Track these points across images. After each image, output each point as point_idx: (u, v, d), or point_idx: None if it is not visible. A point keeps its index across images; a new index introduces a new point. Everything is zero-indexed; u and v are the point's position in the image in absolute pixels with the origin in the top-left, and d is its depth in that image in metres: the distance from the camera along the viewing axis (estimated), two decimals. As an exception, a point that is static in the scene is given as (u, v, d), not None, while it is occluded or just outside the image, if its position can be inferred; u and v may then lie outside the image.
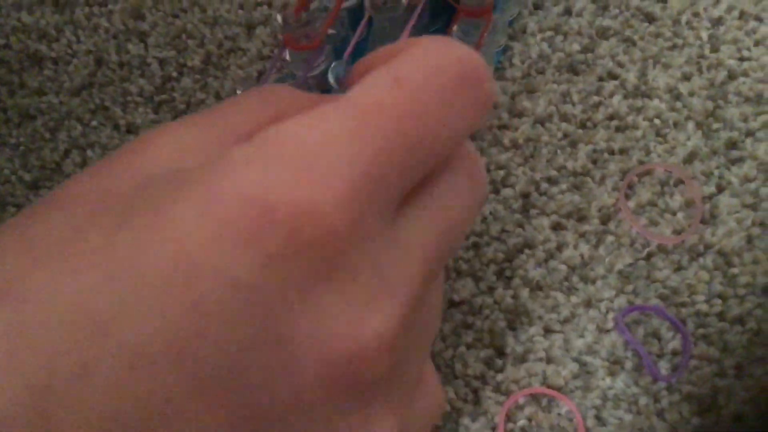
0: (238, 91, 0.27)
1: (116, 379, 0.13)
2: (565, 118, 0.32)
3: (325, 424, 0.15)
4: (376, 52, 0.17)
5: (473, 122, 0.16)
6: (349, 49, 0.26)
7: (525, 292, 0.29)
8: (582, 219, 0.30)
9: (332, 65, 0.26)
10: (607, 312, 0.29)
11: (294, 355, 0.14)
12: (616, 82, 0.32)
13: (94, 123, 0.33)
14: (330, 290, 0.14)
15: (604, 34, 0.33)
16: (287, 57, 0.26)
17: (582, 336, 0.28)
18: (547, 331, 0.29)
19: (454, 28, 0.28)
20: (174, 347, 0.13)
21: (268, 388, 0.14)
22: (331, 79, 0.25)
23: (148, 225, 0.14)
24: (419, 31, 0.30)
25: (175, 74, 0.33)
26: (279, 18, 0.26)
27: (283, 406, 0.14)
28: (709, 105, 0.31)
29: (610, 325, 0.28)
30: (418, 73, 0.15)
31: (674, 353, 0.28)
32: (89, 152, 0.32)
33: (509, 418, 0.27)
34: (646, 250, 0.29)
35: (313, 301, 0.14)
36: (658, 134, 0.31)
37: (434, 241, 0.16)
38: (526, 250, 0.30)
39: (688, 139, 0.31)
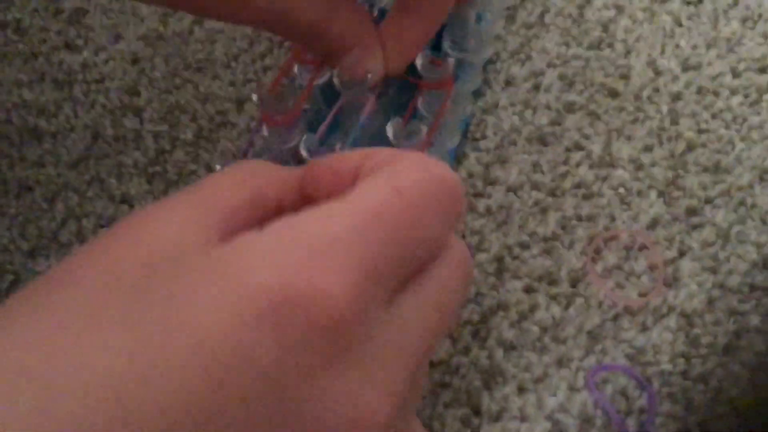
0: (218, 167, 0.29)
1: None
2: (535, 186, 0.34)
3: None
4: (354, 155, 0.20)
5: (452, 226, 0.19)
6: (324, 125, 0.28)
7: (499, 352, 0.31)
8: (552, 282, 0.32)
9: (304, 138, 0.28)
10: (578, 371, 0.30)
11: None
12: (583, 153, 0.34)
13: (90, 194, 0.35)
14: (335, 373, 0.16)
15: (570, 108, 0.35)
16: (264, 132, 0.28)
17: (554, 395, 0.30)
18: (521, 389, 0.30)
19: (419, 100, 0.30)
20: (194, 422, 0.15)
21: None
22: (303, 151, 0.27)
23: (166, 309, 0.15)
24: (387, 104, 0.32)
25: (168, 147, 0.35)
26: (254, 97, 0.28)
27: None
28: (670, 174, 0.34)
29: (580, 383, 0.30)
30: (415, 186, 0.18)
31: (641, 411, 0.29)
32: (85, 222, 0.34)
33: (485, 475, 0.29)
34: (613, 311, 0.31)
35: (321, 383, 0.16)
36: (622, 202, 0.33)
37: (429, 319, 0.18)
38: (500, 312, 0.31)
39: (651, 206, 0.33)
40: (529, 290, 0.32)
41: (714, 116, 0.35)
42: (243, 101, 0.36)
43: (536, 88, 0.36)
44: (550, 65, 0.36)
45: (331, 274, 0.16)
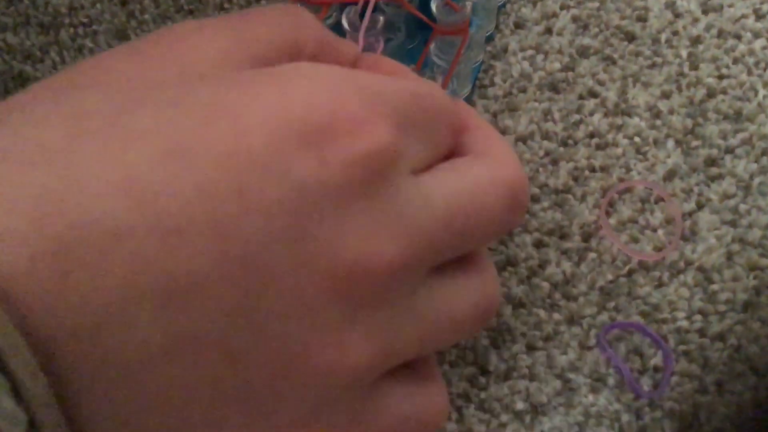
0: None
1: (145, 250, 0.13)
2: (546, 136, 0.32)
3: (308, 330, 0.15)
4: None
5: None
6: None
7: (508, 310, 0.29)
8: (564, 236, 0.30)
9: (345, 11, 0.26)
10: (590, 329, 0.29)
11: (311, 255, 0.15)
12: (597, 101, 0.33)
13: (78, 143, 0.33)
14: (360, 208, 0.16)
15: (584, 53, 0.34)
16: None
17: (565, 353, 0.28)
18: (530, 348, 0.29)
19: (432, 45, 0.28)
20: (211, 228, 0.14)
21: (279, 282, 0.15)
22: (345, 23, 0.26)
23: (205, 115, 0.14)
24: (396, 48, 0.30)
25: (159, 94, 0.34)
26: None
27: (285, 302, 0.15)
28: (689, 123, 0.32)
29: (592, 341, 0.29)
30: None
31: (656, 370, 0.28)
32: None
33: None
34: (627, 266, 0.30)
35: (343, 211, 0.16)
36: (638, 152, 0.32)
37: (453, 201, 0.19)
38: (509, 268, 0.30)
39: (668, 156, 0.31)
40: (539, 245, 0.30)
41: (735, 61, 0.33)
42: (238, 46, 0.35)
43: (548, 31, 0.34)
44: (563, 7, 0.34)
45: (376, 115, 0.16)
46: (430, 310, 0.19)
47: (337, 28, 0.28)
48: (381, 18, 0.27)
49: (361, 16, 0.26)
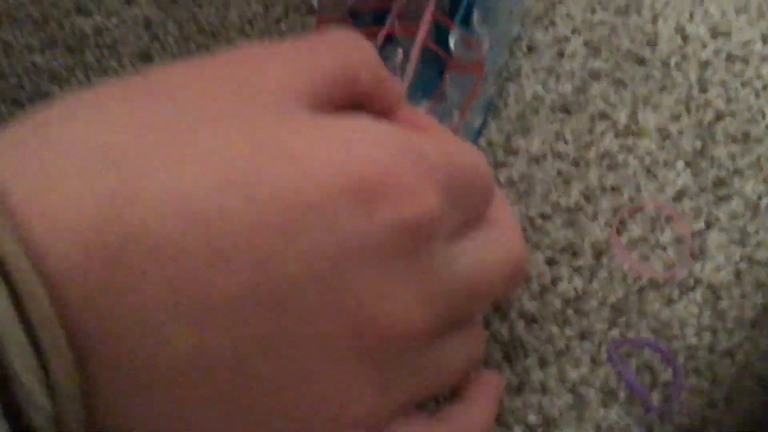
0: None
1: (189, 269, 0.14)
2: (558, 156, 0.33)
3: (326, 375, 0.16)
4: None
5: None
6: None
7: (521, 325, 0.30)
8: (575, 254, 0.31)
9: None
10: (601, 344, 0.29)
11: (344, 306, 0.16)
12: (608, 122, 0.33)
13: (103, 160, 0.34)
14: (397, 270, 0.17)
15: (595, 75, 0.34)
16: None
17: (576, 367, 0.29)
18: (543, 362, 0.29)
19: (447, 76, 0.29)
20: (255, 260, 0.15)
21: (308, 323, 0.16)
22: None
23: (269, 151, 0.15)
24: (412, 79, 0.31)
25: None
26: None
27: (310, 344, 0.16)
28: (698, 144, 0.33)
29: (603, 357, 0.29)
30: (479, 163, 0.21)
31: (665, 385, 0.29)
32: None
33: (506, 448, 0.28)
34: (638, 284, 0.30)
35: (381, 270, 0.16)
36: (648, 172, 0.32)
37: (475, 269, 0.21)
38: (522, 284, 0.31)
39: (678, 177, 0.32)
40: (551, 262, 0.31)
41: (743, 84, 0.34)
42: (259, 67, 0.36)
43: (560, 54, 0.35)
44: (574, 31, 0.35)
45: (429, 184, 0.17)
46: (433, 365, 0.20)
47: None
48: (400, 51, 0.27)
49: (380, 50, 0.27)
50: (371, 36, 0.28)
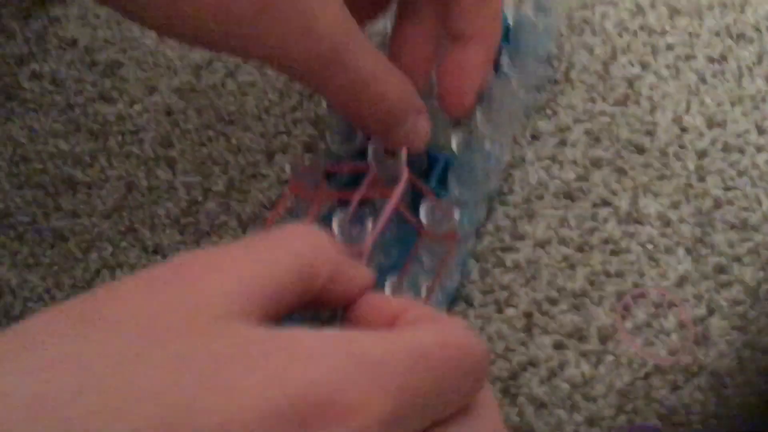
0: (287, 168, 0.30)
1: None
2: (563, 241, 0.34)
3: None
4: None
5: (472, 392, 0.19)
6: (354, 203, 0.27)
7: (530, 410, 0.31)
8: (582, 338, 0.32)
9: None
10: (609, 430, 0.30)
11: None
12: (610, 209, 0.35)
13: (123, 244, 0.35)
14: None
15: (597, 163, 0.36)
16: (292, 202, 0.29)
17: (585, 454, 0.30)
18: (552, 448, 0.30)
19: (421, 244, 0.29)
20: None
21: None
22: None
23: (205, 382, 0.15)
24: (386, 241, 0.31)
25: (200, 198, 0.36)
26: (287, 167, 0.28)
27: None
28: (698, 231, 0.34)
29: (611, 443, 0.30)
30: (456, 346, 0.19)
31: (673, 472, 0.29)
32: (119, 272, 0.34)
33: None
34: (644, 369, 0.31)
35: None
36: (650, 258, 0.33)
37: None
38: (530, 368, 0.32)
39: (679, 263, 0.33)
40: (558, 347, 0.32)
41: (740, 174, 0.35)
42: (273, 153, 0.37)
43: (563, 143, 0.37)
44: (576, 120, 0.37)
45: (373, 393, 0.16)
46: None
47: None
48: (370, 219, 0.27)
49: (354, 213, 0.27)
50: (345, 199, 0.28)
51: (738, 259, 0.33)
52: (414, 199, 0.30)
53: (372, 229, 0.27)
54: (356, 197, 0.29)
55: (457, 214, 0.28)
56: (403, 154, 0.29)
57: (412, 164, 0.33)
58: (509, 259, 0.34)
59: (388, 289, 0.27)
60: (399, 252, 0.33)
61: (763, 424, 0.30)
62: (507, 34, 0.36)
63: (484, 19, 0.30)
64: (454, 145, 0.31)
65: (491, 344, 0.32)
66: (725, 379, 0.31)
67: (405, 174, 0.29)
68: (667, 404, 0.30)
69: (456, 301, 0.33)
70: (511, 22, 0.35)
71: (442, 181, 0.33)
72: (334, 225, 0.27)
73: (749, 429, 0.29)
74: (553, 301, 0.33)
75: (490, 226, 0.35)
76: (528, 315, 0.33)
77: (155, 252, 0.35)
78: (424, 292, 0.27)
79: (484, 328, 0.32)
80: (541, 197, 0.35)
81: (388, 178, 0.29)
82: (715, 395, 0.30)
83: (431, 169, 0.34)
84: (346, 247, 0.27)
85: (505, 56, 0.35)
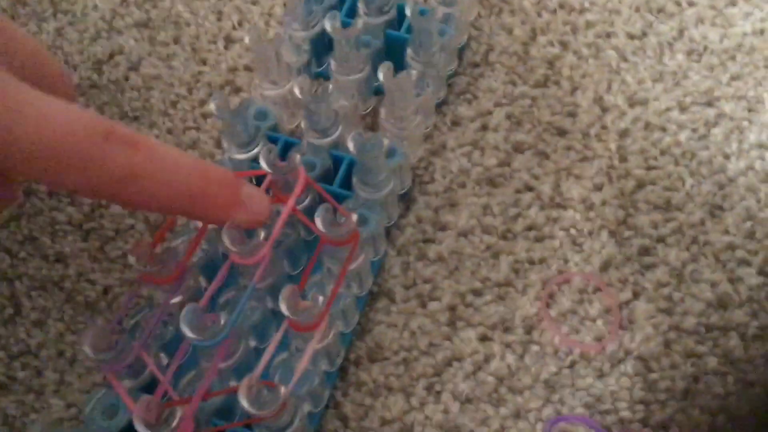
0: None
1: None
2: (486, 230, 0.33)
3: None
4: None
5: None
6: (206, 296, 0.26)
7: (455, 406, 0.30)
8: (507, 329, 0.31)
9: (185, 310, 0.25)
10: (536, 422, 0.29)
11: None
12: (533, 194, 0.34)
13: (22, 254, 0.33)
14: None
15: (519, 148, 0.35)
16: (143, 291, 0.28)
17: (511, 450, 0.29)
18: (478, 445, 0.29)
19: (323, 250, 0.28)
20: None
21: None
22: (184, 328, 0.25)
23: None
24: (293, 242, 0.31)
25: (103, 201, 0.34)
26: (131, 259, 0.26)
27: None
28: (621, 213, 0.33)
29: (538, 437, 0.29)
30: None
31: (601, 463, 0.28)
32: (18, 284, 0.32)
33: None
34: (569, 358, 0.30)
35: None
36: (574, 243, 0.33)
37: None
38: (455, 363, 0.30)
39: (603, 247, 0.32)
40: (483, 339, 0.31)
41: (663, 152, 0.35)
42: (183, 149, 0.35)
43: (484, 128, 0.35)
44: (497, 104, 0.36)
45: None
46: None
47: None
48: (261, 233, 0.26)
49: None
50: None
51: (662, 239, 0.32)
52: (321, 202, 0.29)
53: (264, 239, 0.26)
54: None
55: (355, 217, 0.27)
56: (298, 157, 0.28)
57: (313, 167, 0.31)
58: (432, 250, 0.33)
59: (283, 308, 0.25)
60: (308, 259, 0.32)
61: (691, 407, 0.29)
62: (408, 26, 0.35)
63: None
64: (351, 147, 0.30)
65: (415, 340, 0.31)
66: (652, 364, 0.30)
67: (301, 178, 0.27)
68: (594, 392, 0.29)
69: (378, 297, 0.32)
70: (409, 13, 0.33)
71: (347, 182, 0.32)
72: (224, 238, 0.25)
73: (676, 413, 0.29)
74: (478, 293, 0.32)
75: (411, 217, 0.33)
76: (452, 308, 0.32)
77: (57, 261, 0.33)
78: (323, 299, 0.25)
79: (407, 324, 0.31)
80: (463, 185, 0.34)
81: (285, 183, 0.28)
82: (642, 380, 0.30)
83: (336, 170, 0.32)
84: (242, 258, 0.26)
85: (408, 48, 0.34)
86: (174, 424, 0.24)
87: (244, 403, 0.24)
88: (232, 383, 0.28)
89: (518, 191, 0.34)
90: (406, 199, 0.34)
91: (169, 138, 0.35)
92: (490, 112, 0.36)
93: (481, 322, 0.31)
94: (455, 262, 0.32)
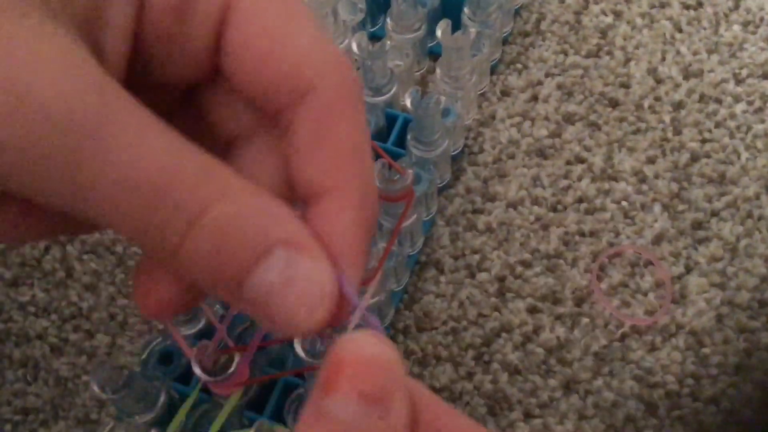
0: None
1: None
2: (536, 201, 0.33)
3: None
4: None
5: None
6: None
7: (504, 377, 0.30)
8: (557, 301, 0.31)
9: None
10: (586, 396, 0.29)
11: None
12: (584, 166, 0.33)
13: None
14: None
15: (570, 119, 0.34)
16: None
17: (561, 423, 0.29)
18: (527, 416, 0.29)
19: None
20: None
21: None
22: (196, 370, 0.24)
23: None
24: None
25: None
26: (196, 370, 0.25)
27: None
28: (674, 187, 0.33)
29: (590, 411, 0.29)
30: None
31: (652, 436, 0.28)
32: (69, 248, 0.33)
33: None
34: (620, 331, 0.30)
35: None
36: (626, 216, 0.32)
37: None
38: (504, 334, 0.30)
39: (655, 220, 0.32)
40: (532, 311, 0.31)
41: (717, 125, 0.34)
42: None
43: (534, 98, 0.35)
44: (548, 75, 0.35)
45: None
46: None
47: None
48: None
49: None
50: None
51: (716, 213, 0.32)
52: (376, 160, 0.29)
53: None
54: None
55: (411, 174, 0.27)
56: None
57: (368, 124, 0.31)
58: (481, 221, 0.33)
59: None
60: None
61: (743, 382, 0.29)
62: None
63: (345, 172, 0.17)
64: (408, 103, 0.29)
65: (463, 311, 0.31)
66: (703, 338, 0.30)
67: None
68: (644, 365, 0.29)
69: (426, 267, 0.32)
70: None
71: (401, 141, 0.32)
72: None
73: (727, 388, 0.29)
74: (527, 264, 0.32)
75: (460, 188, 0.33)
76: (501, 279, 0.31)
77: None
78: (377, 255, 0.25)
79: (456, 295, 0.31)
80: (512, 156, 0.34)
81: None
82: (694, 355, 0.29)
83: (390, 129, 0.32)
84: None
85: (465, 8, 0.33)
86: (231, 369, 0.24)
87: (300, 351, 0.24)
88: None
89: (569, 163, 0.33)
90: (456, 165, 0.33)
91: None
92: (540, 83, 0.35)
93: (531, 294, 0.31)
94: (504, 233, 0.32)
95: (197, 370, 0.24)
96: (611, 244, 0.32)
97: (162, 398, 0.27)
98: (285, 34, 0.17)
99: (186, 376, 0.27)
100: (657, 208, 0.32)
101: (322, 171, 0.16)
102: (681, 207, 0.32)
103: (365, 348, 0.13)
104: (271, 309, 0.16)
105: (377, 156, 0.29)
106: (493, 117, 0.35)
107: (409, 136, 0.30)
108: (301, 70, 0.16)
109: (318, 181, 0.16)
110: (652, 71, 0.35)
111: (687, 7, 0.37)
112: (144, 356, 0.28)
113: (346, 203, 0.16)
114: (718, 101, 0.34)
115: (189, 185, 0.15)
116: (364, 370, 0.13)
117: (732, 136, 0.34)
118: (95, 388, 0.26)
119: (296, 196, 0.17)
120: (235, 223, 0.15)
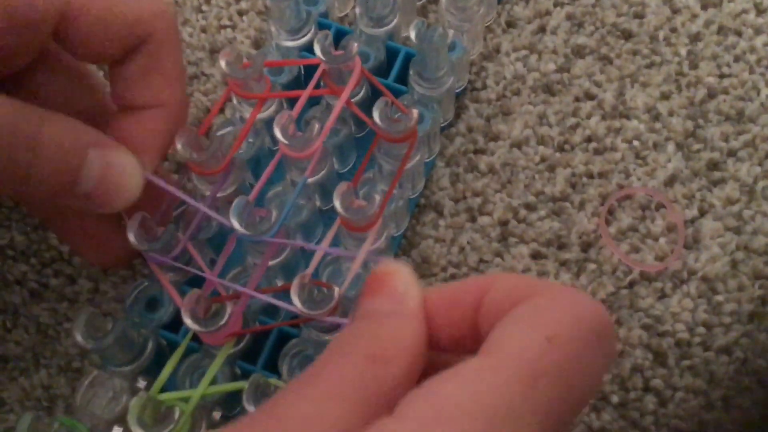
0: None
1: None
2: (542, 141, 0.31)
3: None
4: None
5: (605, 371, 0.17)
6: (254, 193, 0.25)
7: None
8: (562, 247, 0.29)
9: (235, 203, 0.23)
10: (591, 343, 0.28)
11: None
12: (594, 103, 0.31)
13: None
14: None
15: (579, 52, 0.32)
16: (194, 180, 0.26)
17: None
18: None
19: (378, 147, 0.26)
20: None
21: None
22: (234, 220, 0.23)
23: None
24: (344, 138, 0.29)
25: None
26: (178, 146, 0.24)
27: None
28: (689, 125, 0.31)
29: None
30: (570, 333, 0.16)
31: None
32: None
33: None
34: (629, 277, 0.29)
35: None
36: (637, 156, 0.30)
37: None
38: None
39: (669, 161, 0.30)
40: (536, 256, 0.29)
41: (737, 59, 0.32)
42: (217, 50, 0.33)
43: (541, 30, 0.33)
44: (557, 4, 0.33)
45: None
46: None
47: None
48: (316, 126, 0.24)
49: (301, 113, 0.25)
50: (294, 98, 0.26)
51: (733, 153, 0.30)
52: (374, 97, 0.27)
53: (318, 131, 0.24)
54: (304, 96, 0.25)
55: (416, 113, 0.25)
56: (355, 46, 0.25)
57: (367, 58, 0.29)
58: (483, 162, 0.31)
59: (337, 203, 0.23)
60: (358, 157, 0.30)
61: (757, 331, 0.27)
62: None
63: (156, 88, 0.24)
64: (413, 36, 0.27)
65: (464, 257, 0.29)
66: (717, 285, 0.28)
67: (357, 68, 0.25)
68: (653, 313, 0.28)
69: (425, 210, 0.30)
70: None
71: (403, 77, 0.30)
72: (276, 128, 0.24)
73: (740, 338, 0.27)
74: (531, 207, 0.30)
75: (461, 126, 0.31)
76: (504, 223, 0.30)
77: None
78: (379, 198, 0.24)
79: (456, 239, 0.29)
80: (517, 92, 0.32)
81: (339, 74, 0.26)
82: (706, 302, 0.28)
83: (390, 64, 0.30)
84: (293, 151, 0.24)
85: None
86: (224, 320, 0.23)
87: (297, 302, 0.23)
88: (278, 282, 0.27)
89: (578, 99, 0.31)
90: (457, 103, 0.31)
91: (203, 37, 0.33)
92: (548, 13, 0.33)
93: (535, 239, 0.29)
94: (508, 174, 0.30)
95: (188, 321, 0.23)
96: (621, 186, 0.30)
97: (149, 347, 0.26)
98: None
99: (175, 324, 0.26)
100: (670, 147, 0.30)
101: (153, 93, 0.24)
102: (696, 146, 0.30)
103: (390, 265, 0.18)
104: (100, 195, 0.23)
105: (374, 94, 0.27)
106: (498, 50, 0.33)
107: (411, 72, 0.28)
108: (140, 22, 0.23)
109: (145, 100, 0.24)
110: (668, 0, 0.33)
111: (707, -70, 0.34)
112: (129, 301, 0.26)
113: (167, 115, 0.24)
114: (738, 33, 0.32)
115: (23, 129, 0.21)
116: (392, 278, 0.18)
117: (752, 70, 0.31)
118: (78, 337, 0.24)
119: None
120: (57, 140, 0.21)
